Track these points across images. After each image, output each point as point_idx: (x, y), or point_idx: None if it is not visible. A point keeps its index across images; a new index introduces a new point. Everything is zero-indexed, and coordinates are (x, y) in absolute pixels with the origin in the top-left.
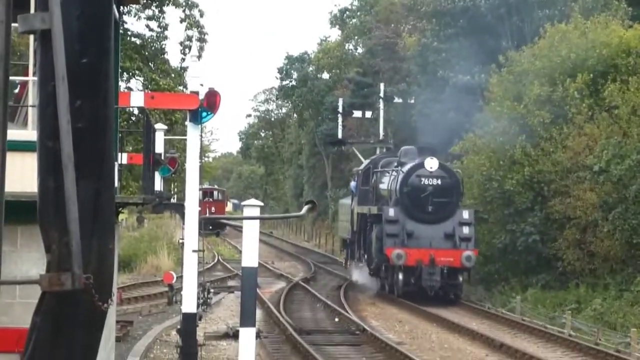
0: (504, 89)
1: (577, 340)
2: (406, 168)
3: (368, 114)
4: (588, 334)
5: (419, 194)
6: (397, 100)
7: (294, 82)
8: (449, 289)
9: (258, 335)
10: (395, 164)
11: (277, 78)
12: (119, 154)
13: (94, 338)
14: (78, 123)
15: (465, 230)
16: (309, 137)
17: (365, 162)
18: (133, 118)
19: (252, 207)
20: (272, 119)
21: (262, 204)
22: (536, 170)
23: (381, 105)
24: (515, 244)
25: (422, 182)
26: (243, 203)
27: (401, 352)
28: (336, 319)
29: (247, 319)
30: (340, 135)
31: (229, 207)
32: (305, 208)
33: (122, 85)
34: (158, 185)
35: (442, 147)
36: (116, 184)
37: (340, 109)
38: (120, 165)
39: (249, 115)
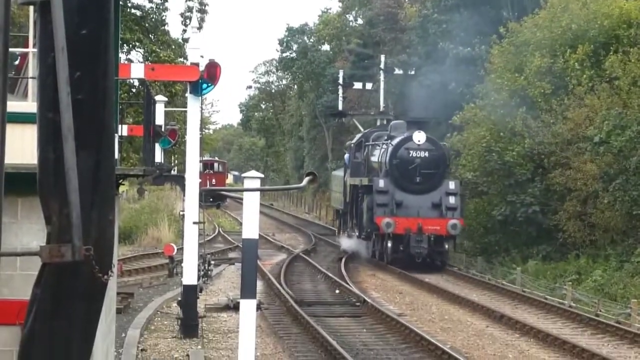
0: (505, 60)
1: (577, 312)
2: (395, 141)
3: (368, 86)
4: (588, 305)
5: (407, 166)
6: (397, 71)
7: (294, 54)
8: (435, 255)
9: (259, 307)
10: (386, 137)
11: (277, 50)
12: (119, 126)
13: (94, 309)
14: (78, 94)
15: (452, 200)
16: (309, 109)
17: (358, 135)
18: (133, 90)
19: (253, 178)
20: (273, 91)
21: (262, 175)
22: (536, 142)
23: (382, 77)
24: (515, 215)
25: (411, 155)
26: (243, 175)
27: (402, 324)
28: (337, 291)
29: (247, 291)
30: (340, 107)
31: (229, 179)
32: (305, 180)
33: (123, 57)
34: (158, 157)
35: (442, 118)
36: (116, 155)
37: (340, 81)
38: (121, 137)
39: (250, 87)
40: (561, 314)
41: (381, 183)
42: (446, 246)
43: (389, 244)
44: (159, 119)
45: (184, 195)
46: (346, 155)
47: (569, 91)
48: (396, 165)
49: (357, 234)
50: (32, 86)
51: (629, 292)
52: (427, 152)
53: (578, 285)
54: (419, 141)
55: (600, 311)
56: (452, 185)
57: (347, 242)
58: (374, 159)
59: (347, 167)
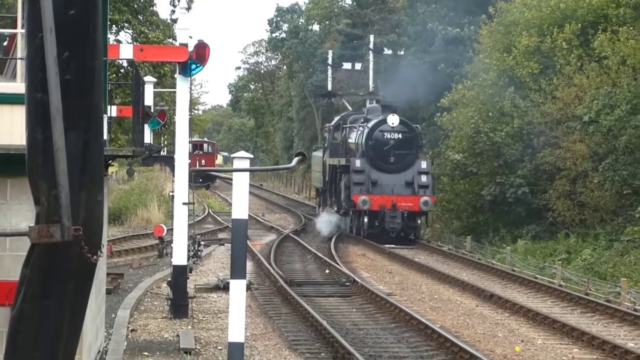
0: (494, 40)
1: (567, 290)
2: (371, 124)
3: (358, 66)
4: (578, 284)
5: (382, 147)
6: (386, 51)
7: (283, 34)
8: (408, 230)
9: (249, 288)
10: (362, 120)
11: (266, 30)
12: (108, 107)
13: (83, 289)
14: (66, 75)
15: (424, 178)
16: (298, 90)
17: (336, 118)
18: (122, 71)
19: (242, 159)
20: (262, 72)
21: (251, 156)
22: (525, 121)
23: (371, 57)
24: (504, 195)
25: (385, 136)
26: (233, 155)
27: (391, 303)
28: (326, 271)
29: (237, 271)
30: (330, 88)
31: (219, 159)
32: (295, 160)
33: (111, 37)
34: (148, 137)
35: (425, 101)
36: (105, 136)
37: (329, 61)
38: (110, 118)
39: (239, 68)
40: (551, 293)
41: (358, 163)
42: (418, 221)
43: (365, 220)
44: (148, 100)
45: (173, 176)
46: (326, 137)
47: (557, 71)
48: (372, 146)
49: (333, 210)
50: (21, 67)
51: (619, 271)
52: (400, 134)
53: (568, 265)
54: (392, 124)
55: (590, 290)
56: (424, 164)
57: (326, 218)
58: (351, 140)
59: (326, 148)
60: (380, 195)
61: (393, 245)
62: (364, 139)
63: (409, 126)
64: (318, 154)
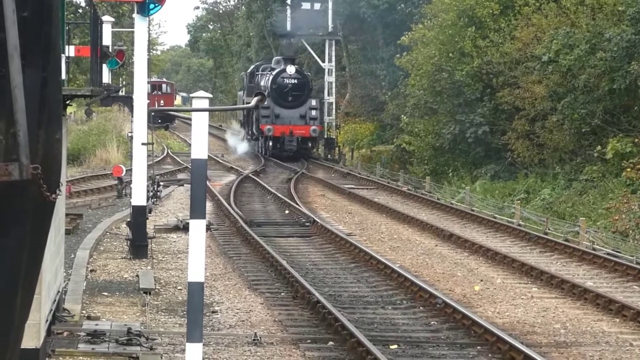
0: None
1: (526, 230)
2: (275, 72)
3: (317, 6)
4: (537, 224)
5: (282, 89)
6: None
7: None
8: (302, 151)
9: (208, 228)
10: (269, 69)
11: None
12: (67, 47)
13: (42, 228)
14: (23, 12)
15: (313, 112)
16: (257, 30)
17: (252, 67)
18: (80, 11)
19: (201, 98)
20: (221, 12)
21: (211, 95)
22: (485, 61)
23: None
24: (464, 134)
25: (285, 81)
26: (192, 95)
27: (351, 243)
28: (286, 211)
29: (197, 211)
30: (289, 28)
31: (177, 100)
32: (254, 100)
33: None
34: (106, 77)
35: (391, 40)
36: (64, 76)
37: (288, 1)
38: (68, 57)
39: (197, 8)
40: (510, 233)
41: (265, 101)
42: (309, 144)
43: (270, 144)
44: (106, 40)
45: (132, 117)
46: (244, 80)
47: (517, 12)
48: (275, 89)
49: (249, 136)
50: None
51: (577, 210)
52: (296, 80)
53: (526, 204)
54: (290, 72)
55: (549, 229)
56: (313, 102)
57: (245, 142)
58: (262, 84)
59: (245, 89)
60: (281, 125)
61: (290, 163)
62: (269, 83)
63: (303, 74)
64: (240, 93)
